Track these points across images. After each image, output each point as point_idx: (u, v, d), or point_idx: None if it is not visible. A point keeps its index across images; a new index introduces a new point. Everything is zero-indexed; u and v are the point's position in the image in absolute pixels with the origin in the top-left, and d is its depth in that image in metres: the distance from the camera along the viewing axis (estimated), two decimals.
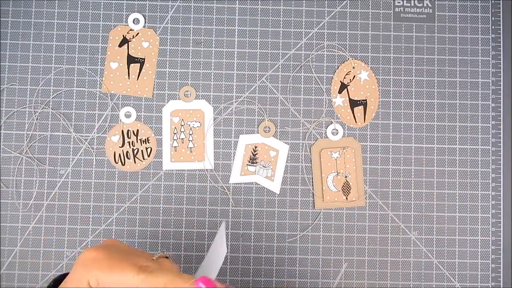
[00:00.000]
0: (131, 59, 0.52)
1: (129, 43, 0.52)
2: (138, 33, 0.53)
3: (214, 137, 0.52)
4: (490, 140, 0.53)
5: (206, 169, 0.52)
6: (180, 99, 0.52)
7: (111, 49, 0.52)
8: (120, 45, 0.52)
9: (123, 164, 0.52)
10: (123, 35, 0.52)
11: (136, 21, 0.53)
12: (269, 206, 0.52)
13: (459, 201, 0.53)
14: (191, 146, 0.52)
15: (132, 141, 0.52)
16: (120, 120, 0.52)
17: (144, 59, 0.52)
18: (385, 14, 0.54)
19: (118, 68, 0.52)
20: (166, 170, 0.52)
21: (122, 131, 0.52)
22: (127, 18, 0.53)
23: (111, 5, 0.53)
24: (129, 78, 0.52)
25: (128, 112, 0.52)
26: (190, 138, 0.52)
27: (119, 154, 0.52)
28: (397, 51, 0.54)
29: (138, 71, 0.52)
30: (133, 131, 0.52)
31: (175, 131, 0.52)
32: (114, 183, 0.52)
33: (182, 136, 0.52)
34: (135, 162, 0.52)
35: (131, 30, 0.53)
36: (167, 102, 0.52)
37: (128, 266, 0.34)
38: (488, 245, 0.52)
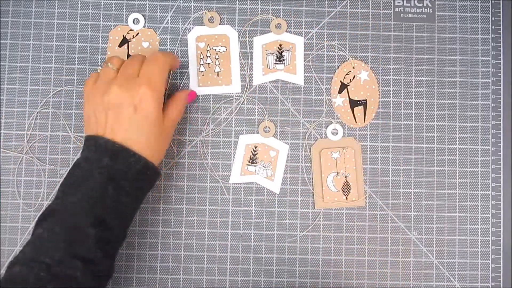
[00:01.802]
0: None
1: (129, 43, 0.52)
2: (138, 33, 0.53)
3: (239, 60, 0.52)
4: (490, 140, 0.53)
5: (234, 92, 0.52)
6: (204, 25, 0.53)
7: (111, 49, 0.52)
8: (120, 45, 0.52)
9: None
10: (123, 35, 0.52)
11: (136, 21, 0.53)
12: (269, 206, 0.52)
13: (459, 201, 0.53)
14: (217, 71, 0.52)
15: None
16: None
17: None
18: (385, 14, 0.54)
19: None
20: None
21: None
22: (127, 18, 0.53)
23: (111, 5, 0.53)
24: None
25: None
26: (217, 63, 0.52)
27: None
28: (397, 51, 0.54)
29: None
30: None
31: (201, 56, 0.52)
32: None
33: (209, 61, 0.52)
34: None
35: (131, 30, 0.53)
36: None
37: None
38: (488, 245, 0.52)
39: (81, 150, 0.44)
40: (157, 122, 0.43)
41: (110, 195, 0.40)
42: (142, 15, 0.53)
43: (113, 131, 0.42)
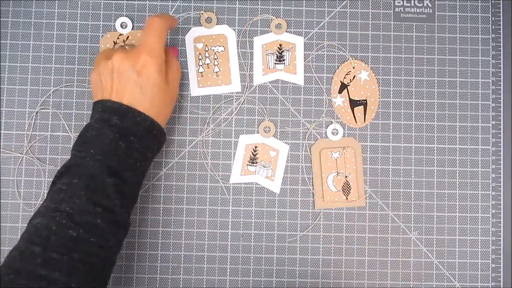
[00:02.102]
0: None
1: None
2: (128, 37, 0.53)
3: (238, 60, 0.52)
4: (490, 140, 0.53)
5: (233, 92, 0.52)
6: (201, 26, 0.53)
7: None
8: None
9: None
10: (114, 41, 0.52)
11: (123, 25, 0.53)
12: (269, 206, 0.52)
13: (459, 201, 0.53)
14: (217, 71, 0.52)
15: None
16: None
17: None
18: (385, 14, 0.54)
19: None
20: (193, 97, 0.53)
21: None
22: (115, 23, 0.53)
23: (111, 5, 0.53)
24: None
25: None
26: (216, 63, 0.53)
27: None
28: (397, 51, 0.54)
29: None
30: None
31: (200, 57, 0.52)
32: None
33: (207, 61, 0.52)
34: None
35: (120, 35, 0.53)
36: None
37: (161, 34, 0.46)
38: (488, 245, 0.52)
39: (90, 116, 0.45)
40: (160, 84, 0.44)
41: (123, 149, 0.42)
42: (142, 15, 0.53)
43: (118, 94, 0.44)
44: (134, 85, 0.43)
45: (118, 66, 0.44)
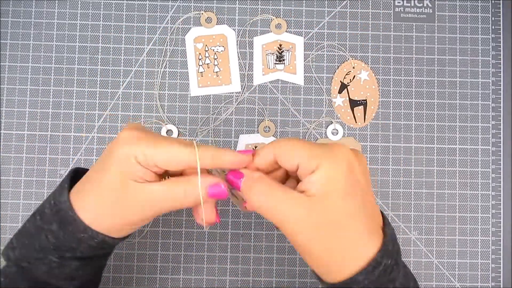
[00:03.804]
0: None
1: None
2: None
3: (238, 60, 0.52)
4: (490, 140, 0.53)
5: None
6: (201, 26, 0.53)
7: None
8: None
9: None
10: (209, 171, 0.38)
11: (169, 133, 0.47)
12: None
13: (459, 201, 0.53)
14: (217, 71, 0.52)
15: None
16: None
17: None
18: (385, 14, 0.54)
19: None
20: (193, 97, 0.52)
21: None
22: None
23: (111, 5, 0.53)
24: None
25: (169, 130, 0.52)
26: (216, 63, 0.52)
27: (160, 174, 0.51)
28: (397, 51, 0.54)
29: None
30: None
31: (200, 57, 0.52)
32: None
33: (207, 61, 0.52)
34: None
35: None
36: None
37: (175, 141, 0.32)
38: (488, 245, 0.52)
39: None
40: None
41: (56, 263, 0.33)
42: (142, 14, 0.53)
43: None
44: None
45: None
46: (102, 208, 0.32)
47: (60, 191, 0.34)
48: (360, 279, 0.28)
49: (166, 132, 0.52)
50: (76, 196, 0.33)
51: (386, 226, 0.31)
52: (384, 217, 0.32)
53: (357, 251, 0.28)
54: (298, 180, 0.31)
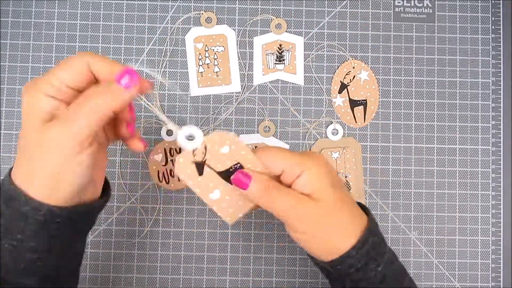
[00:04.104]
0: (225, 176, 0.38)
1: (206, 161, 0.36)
2: (205, 148, 0.36)
3: (238, 60, 0.52)
4: (490, 140, 0.53)
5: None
6: (201, 26, 0.53)
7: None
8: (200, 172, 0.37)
9: (167, 183, 0.51)
10: (194, 162, 0.36)
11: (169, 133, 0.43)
12: None
13: (459, 201, 0.53)
14: (217, 71, 0.52)
15: (175, 159, 0.51)
16: (162, 139, 0.52)
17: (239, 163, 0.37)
18: (385, 14, 0.54)
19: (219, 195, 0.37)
20: (193, 96, 0.53)
21: (165, 149, 0.52)
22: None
23: (111, 5, 0.53)
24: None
25: (170, 130, 0.52)
26: (216, 63, 0.52)
27: (163, 173, 0.51)
28: (397, 51, 0.54)
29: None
30: (175, 149, 0.52)
31: (200, 57, 0.52)
32: (114, 183, 0.52)
33: (207, 61, 0.52)
34: (179, 180, 0.51)
35: (196, 150, 0.36)
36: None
37: (69, 58, 0.32)
38: (488, 245, 0.52)
39: None
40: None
41: (8, 252, 0.31)
42: (142, 14, 0.53)
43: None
44: None
45: None
46: (32, 168, 0.31)
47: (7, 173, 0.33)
48: (353, 253, 0.34)
49: (167, 132, 0.52)
50: (15, 169, 0.32)
51: (367, 210, 0.37)
52: (362, 205, 0.38)
53: (349, 230, 0.34)
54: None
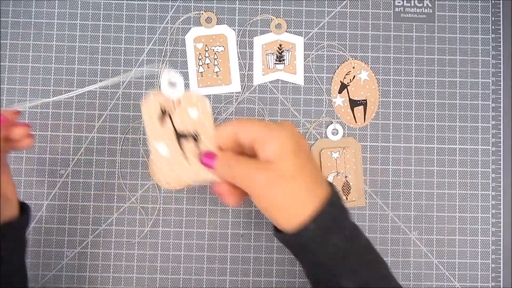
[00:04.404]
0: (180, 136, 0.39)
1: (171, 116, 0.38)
2: (179, 100, 0.38)
3: (238, 60, 0.52)
4: (490, 140, 0.53)
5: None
6: (201, 26, 0.53)
7: (152, 131, 0.38)
8: (161, 121, 0.38)
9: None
10: (162, 110, 0.37)
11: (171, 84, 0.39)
12: None
13: (459, 201, 0.53)
14: (216, 70, 0.52)
15: None
16: None
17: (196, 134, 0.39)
18: (385, 14, 0.54)
19: (167, 150, 0.38)
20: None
21: None
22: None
23: (111, 5, 0.53)
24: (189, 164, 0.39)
25: None
26: (215, 63, 0.52)
27: None
28: (397, 51, 0.54)
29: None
30: None
31: (200, 57, 0.52)
32: (114, 183, 0.52)
33: (207, 61, 0.52)
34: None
35: (169, 97, 0.37)
36: None
37: None
38: (488, 245, 0.52)
39: None
40: None
41: None
42: (142, 14, 0.53)
43: None
44: None
45: None
46: None
47: None
48: (311, 226, 0.34)
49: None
50: None
51: (332, 186, 0.37)
52: (330, 183, 0.38)
53: (308, 198, 0.35)
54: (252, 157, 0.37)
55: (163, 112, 0.37)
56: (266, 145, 0.35)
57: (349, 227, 0.36)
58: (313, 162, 0.37)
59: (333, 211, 0.35)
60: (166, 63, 0.53)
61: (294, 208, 0.35)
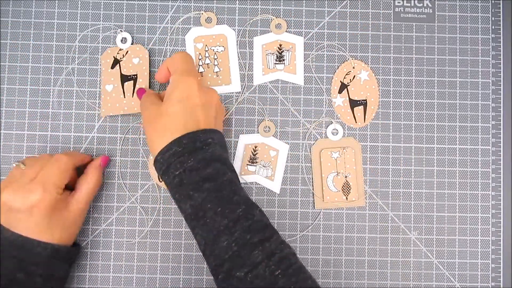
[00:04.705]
0: (124, 78, 0.52)
1: (120, 62, 0.52)
2: (127, 52, 0.52)
3: (238, 60, 0.52)
4: (490, 140, 0.53)
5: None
6: (201, 26, 0.53)
7: (105, 72, 0.52)
8: (113, 67, 0.52)
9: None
10: (114, 57, 0.52)
11: (124, 40, 0.52)
12: (269, 206, 0.52)
13: (459, 201, 0.53)
14: (217, 71, 0.52)
15: None
16: None
17: (136, 75, 0.52)
18: (385, 14, 0.54)
19: (113, 89, 0.52)
20: None
21: None
22: (115, 39, 0.53)
23: (111, 5, 0.53)
24: (124, 97, 0.52)
25: None
26: (215, 63, 0.52)
27: None
28: (397, 51, 0.54)
29: (132, 88, 0.52)
30: None
31: (200, 57, 0.52)
32: (114, 183, 0.52)
33: (207, 61, 0.52)
34: None
35: (120, 50, 0.52)
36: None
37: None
38: (488, 245, 0.52)
39: None
40: (54, 215, 0.44)
41: (21, 281, 0.42)
42: (142, 15, 0.53)
43: (13, 227, 0.43)
44: (27, 223, 0.43)
45: (9, 205, 0.42)
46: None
47: None
48: (158, 157, 0.42)
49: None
50: None
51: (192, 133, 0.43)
52: (196, 131, 0.43)
53: (166, 136, 0.42)
54: None
55: (115, 60, 0.52)
56: (169, 85, 0.44)
57: (191, 162, 0.41)
58: (187, 110, 0.43)
59: (177, 148, 0.41)
60: None
61: (155, 142, 0.42)
